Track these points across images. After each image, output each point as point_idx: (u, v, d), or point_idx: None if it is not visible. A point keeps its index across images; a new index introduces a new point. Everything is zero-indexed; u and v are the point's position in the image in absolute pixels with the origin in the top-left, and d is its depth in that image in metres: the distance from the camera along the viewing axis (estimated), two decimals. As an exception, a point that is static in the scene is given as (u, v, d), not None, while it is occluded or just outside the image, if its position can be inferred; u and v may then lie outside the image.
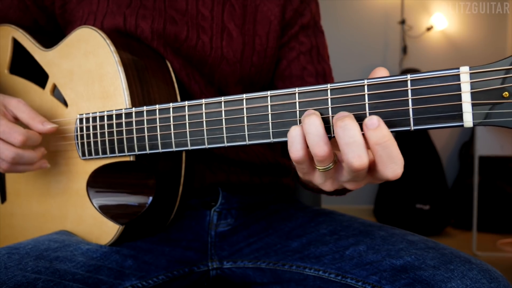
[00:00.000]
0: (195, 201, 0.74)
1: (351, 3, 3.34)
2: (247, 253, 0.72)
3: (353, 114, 0.42)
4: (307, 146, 0.43)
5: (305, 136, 0.42)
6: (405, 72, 3.17)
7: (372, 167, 0.43)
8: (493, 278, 0.52)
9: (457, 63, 3.29)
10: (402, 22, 3.28)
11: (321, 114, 0.44)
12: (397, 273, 0.55)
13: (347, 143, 0.40)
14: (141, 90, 0.62)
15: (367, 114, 0.42)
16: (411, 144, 2.95)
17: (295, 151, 0.43)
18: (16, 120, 0.64)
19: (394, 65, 3.35)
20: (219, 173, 0.74)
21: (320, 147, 0.41)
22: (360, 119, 0.42)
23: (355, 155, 0.40)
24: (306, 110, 0.45)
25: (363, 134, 0.41)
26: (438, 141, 3.18)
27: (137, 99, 0.61)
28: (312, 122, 0.42)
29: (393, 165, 0.41)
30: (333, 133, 0.43)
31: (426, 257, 0.56)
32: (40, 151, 0.64)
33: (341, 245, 0.64)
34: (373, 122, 0.39)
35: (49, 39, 0.75)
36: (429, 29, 3.28)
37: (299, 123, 0.45)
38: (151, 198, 0.62)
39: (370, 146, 0.40)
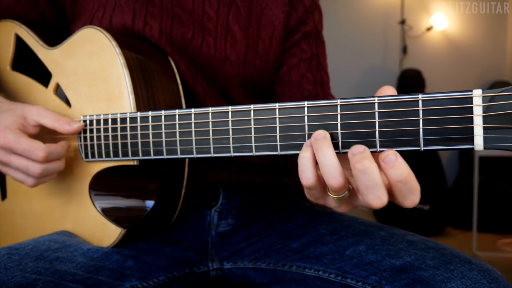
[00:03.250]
0: (196, 201, 0.74)
1: (351, 3, 3.34)
2: (247, 253, 0.72)
3: (362, 132, 0.42)
4: (318, 172, 0.42)
5: (315, 161, 0.42)
6: (405, 72, 3.17)
7: (390, 195, 0.42)
8: (493, 278, 0.52)
9: (457, 63, 3.29)
10: (402, 22, 3.28)
11: (329, 130, 0.43)
12: (397, 273, 0.55)
13: (367, 186, 0.39)
14: (146, 92, 0.62)
15: (377, 132, 0.42)
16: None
17: (306, 178, 0.42)
18: (39, 128, 0.62)
19: (394, 65, 3.35)
20: (220, 173, 0.74)
21: (335, 179, 0.40)
22: (370, 135, 0.42)
23: (375, 197, 0.39)
24: (314, 124, 0.44)
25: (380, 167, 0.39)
26: (438, 141, 3.17)
27: (142, 102, 0.61)
28: (326, 153, 0.41)
29: (412, 197, 0.40)
30: (341, 150, 0.43)
31: (426, 257, 0.56)
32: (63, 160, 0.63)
33: (341, 245, 0.64)
34: (391, 158, 0.38)
35: (54, 37, 0.74)
36: (429, 29, 3.28)
37: (307, 137, 0.45)
38: (153, 201, 0.61)
39: (390, 182, 0.39)
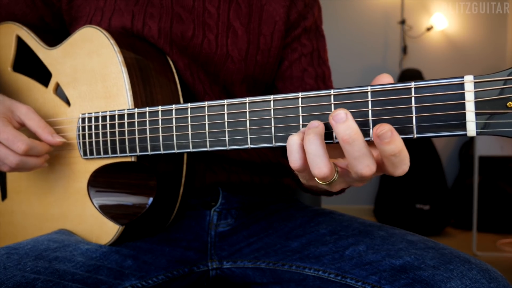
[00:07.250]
0: (195, 201, 0.73)
1: (351, 3, 3.34)
2: (247, 253, 0.72)
3: (356, 121, 0.42)
4: (306, 156, 0.42)
5: (304, 146, 0.42)
6: (405, 72, 3.17)
7: (380, 167, 0.43)
8: (492, 278, 0.52)
9: (457, 63, 3.29)
10: (402, 22, 3.28)
11: (323, 120, 0.43)
12: (396, 273, 0.55)
13: (355, 157, 0.40)
14: (144, 90, 0.62)
15: (370, 121, 0.42)
16: (411, 144, 2.95)
17: (294, 161, 0.43)
18: (22, 127, 0.64)
19: (394, 65, 3.35)
20: (220, 173, 0.74)
21: (319, 169, 0.41)
22: (364, 124, 0.42)
23: (365, 166, 0.40)
24: (308, 115, 0.45)
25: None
26: (438, 141, 3.18)
27: (140, 99, 0.61)
28: (313, 142, 0.41)
29: (403, 166, 0.41)
30: (334, 140, 0.43)
31: (426, 257, 0.55)
32: (43, 157, 0.64)
33: (341, 245, 0.64)
34: (386, 135, 0.38)
35: (53, 38, 0.75)
36: (429, 29, 3.28)
37: (302, 128, 0.45)
38: (151, 199, 0.61)
39: (382, 156, 0.40)
